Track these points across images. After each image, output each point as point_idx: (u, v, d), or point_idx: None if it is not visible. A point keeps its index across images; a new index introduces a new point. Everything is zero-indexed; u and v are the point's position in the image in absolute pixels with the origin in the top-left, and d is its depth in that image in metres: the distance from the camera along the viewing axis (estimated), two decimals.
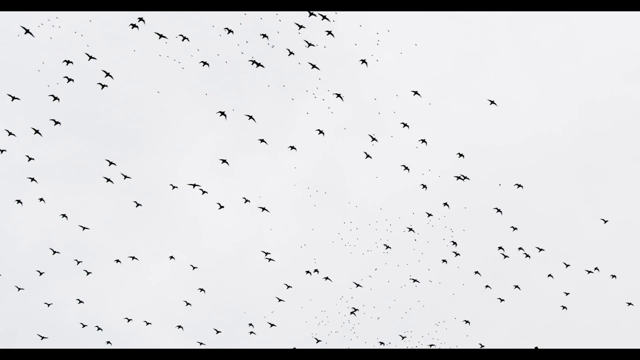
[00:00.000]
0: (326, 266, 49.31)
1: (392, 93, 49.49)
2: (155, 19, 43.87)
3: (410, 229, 49.18)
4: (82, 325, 49.73)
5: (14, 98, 44.27)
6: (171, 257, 50.75)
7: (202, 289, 51.37)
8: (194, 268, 51.41)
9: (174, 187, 48.19)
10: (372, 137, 46.42)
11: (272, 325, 51.03)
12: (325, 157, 57.62)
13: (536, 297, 56.98)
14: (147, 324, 50.84)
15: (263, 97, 52.28)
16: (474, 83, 62.40)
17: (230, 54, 44.45)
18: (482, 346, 50.61)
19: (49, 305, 49.78)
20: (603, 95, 62.88)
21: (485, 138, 62.56)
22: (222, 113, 44.57)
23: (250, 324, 50.59)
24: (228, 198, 57.37)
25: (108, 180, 46.97)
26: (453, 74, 62.31)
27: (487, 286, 51.42)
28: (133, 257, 50.39)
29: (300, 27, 43.29)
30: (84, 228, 48.66)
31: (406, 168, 48.54)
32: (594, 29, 62.54)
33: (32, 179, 46.84)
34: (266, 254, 49.36)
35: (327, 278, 49.91)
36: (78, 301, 50.46)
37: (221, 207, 49.38)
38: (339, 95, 44.85)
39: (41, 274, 49.36)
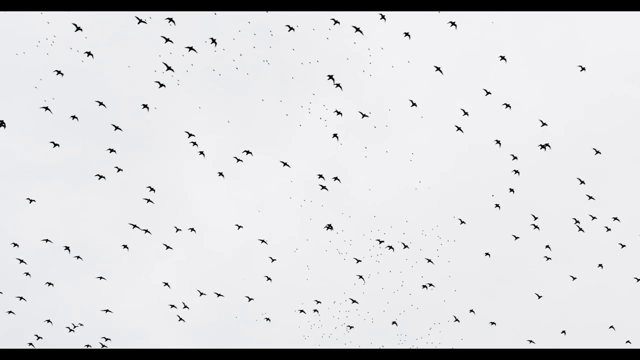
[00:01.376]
0: (319, 272, 49.87)
1: (393, 95, 49.66)
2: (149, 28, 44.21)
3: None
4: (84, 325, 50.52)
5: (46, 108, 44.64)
6: (239, 226, 50.97)
7: (273, 259, 51.13)
8: (239, 227, 50.72)
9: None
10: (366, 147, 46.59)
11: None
12: (324, 165, 57.84)
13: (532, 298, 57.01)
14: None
15: (262, 104, 52.56)
16: (477, 83, 62.23)
17: (224, 68, 44.81)
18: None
19: (101, 278, 50.40)
20: (606, 95, 62.63)
21: (488, 139, 62.43)
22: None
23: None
24: (230, 199, 57.96)
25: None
26: (456, 75, 62.18)
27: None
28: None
29: (291, 28, 43.41)
30: (151, 188, 48.78)
31: (498, 142, 48.62)
32: (597, 29, 62.23)
33: (112, 150, 47.36)
34: (329, 226, 49.20)
35: (390, 247, 49.84)
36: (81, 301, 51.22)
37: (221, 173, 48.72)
38: (338, 113, 44.99)
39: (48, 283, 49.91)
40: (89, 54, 44.19)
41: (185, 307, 51.82)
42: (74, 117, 46.22)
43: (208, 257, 57.39)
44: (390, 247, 50.33)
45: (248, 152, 47.10)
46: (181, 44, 43.54)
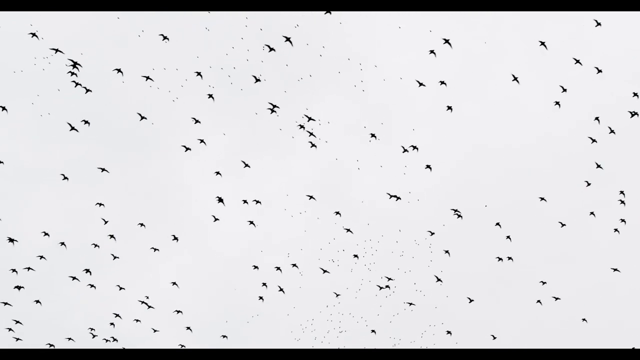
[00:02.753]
0: (314, 277, 50.23)
1: (387, 106, 49.80)
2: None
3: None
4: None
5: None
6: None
7: (325, 270, 51.56)
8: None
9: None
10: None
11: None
12: (322, 173, 58.12)
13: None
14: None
15: (257, 117, 52.84)
16: (482, 84, 62.16)
17: (218, 82, 45.07)
18: None
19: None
20: (611, 96, 62.22)
21: (493, 140, 62.39)
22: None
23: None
24: (235, 200, 58.45)
25: None
26: (460, 75, 62.07)
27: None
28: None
29: (288, 39, 43.43)
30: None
31: (597, 119, 48.49)
32: (603, 29, 61.65)
33: (202, 141, 47.67)
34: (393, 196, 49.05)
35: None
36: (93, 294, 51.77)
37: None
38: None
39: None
40: (118, 70, 44.68)
41: (261, 298, 52.28)
42: (85, 122, 46.67)
43: (211, 258, 57.97)
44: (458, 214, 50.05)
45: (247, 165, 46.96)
46: (176, 57, 44.03)
